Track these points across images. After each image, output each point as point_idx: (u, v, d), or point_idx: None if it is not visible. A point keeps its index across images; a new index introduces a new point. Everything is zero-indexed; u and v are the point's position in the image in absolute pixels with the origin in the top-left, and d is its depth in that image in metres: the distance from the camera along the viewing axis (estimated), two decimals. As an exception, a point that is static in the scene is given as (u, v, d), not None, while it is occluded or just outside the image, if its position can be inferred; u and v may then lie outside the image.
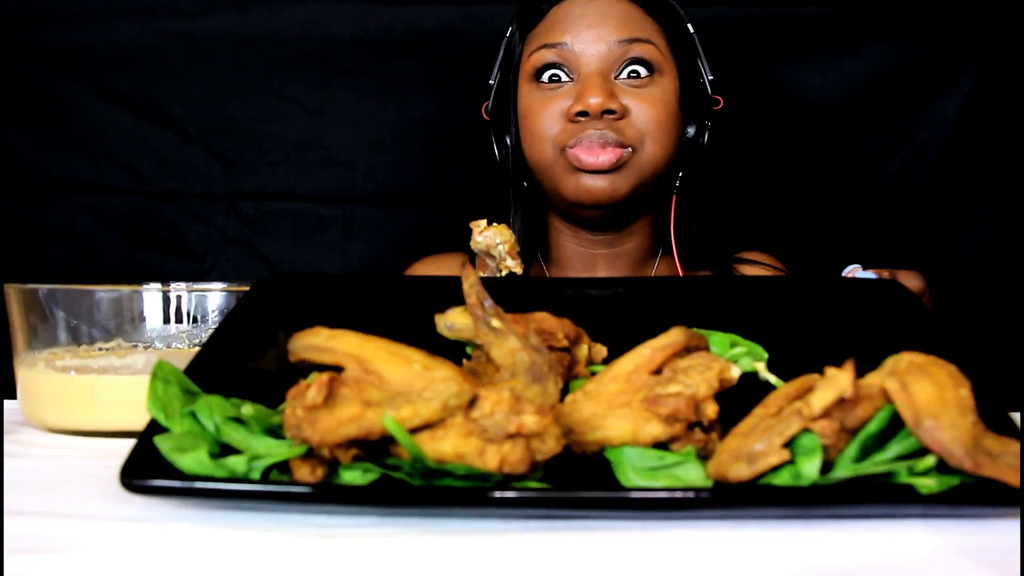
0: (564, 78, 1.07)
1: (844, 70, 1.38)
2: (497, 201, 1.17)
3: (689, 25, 1.12)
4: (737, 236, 1.26)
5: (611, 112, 1.04)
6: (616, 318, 0.71)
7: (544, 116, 1.07)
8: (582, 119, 1.04)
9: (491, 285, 0.62)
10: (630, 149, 1.05)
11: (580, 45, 1.06)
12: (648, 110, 1.06)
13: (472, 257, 1.24)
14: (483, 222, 0.83)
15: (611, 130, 1.04)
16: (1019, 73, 1.35)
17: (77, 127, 1.38)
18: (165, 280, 0.80)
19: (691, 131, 1.11)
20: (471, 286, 0.59)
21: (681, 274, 1.13)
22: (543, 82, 1.08)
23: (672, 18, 1.11)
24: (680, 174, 1.12)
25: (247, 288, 0.73)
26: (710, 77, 1.12)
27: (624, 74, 1.06)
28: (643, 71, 1.06)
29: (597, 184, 1.05)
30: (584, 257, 1.16)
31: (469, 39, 1.34)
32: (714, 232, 1.17)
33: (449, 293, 0.65)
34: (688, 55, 1.11)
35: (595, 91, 1.03)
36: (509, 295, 0.64)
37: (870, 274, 0.85)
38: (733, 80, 1.37)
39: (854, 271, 0.88)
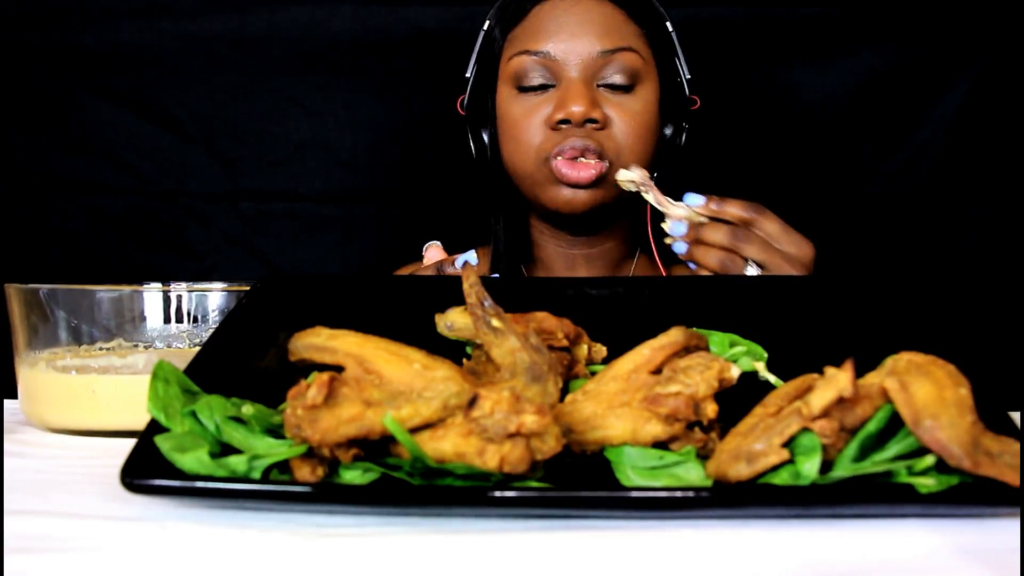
0: (546, 85, 1.06)
1: (844, 70, 1.38)
2: (479, 200, 1.16)
3: (668, 23, 1.11)
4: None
5: (593, 121, 1.03)
6: (616, 318, 0.71)
7: (527, 125, 1.06)
8: (563, 127, 1.04)
9: (491, 285, 0.62)
10: (607, 163, 1.04)
11: (562, 53, 1.05)
12: (628, 123, 1.05)
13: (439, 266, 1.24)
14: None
15: (592, 140, 1.03)
16: (1018, 73, 1.35)
17: (77, 127, 1.38)
18: (165, 280, 0.80)
19: (668, 131, 1.11)
20: (471, 286, 0.59)
21: (663, 272, 1.13)
22: (524, 89, 1.07)
23: (653, 19, 1.10)
24: (655, 174, 1.12)
25: (247, 288, 0.73)
26: (687, 76, 1.11)
27: (607, 83, 1.05)
28: (625, 81, 1.05)
29: (577, 196, 1.05)
30: (565, 257, 1.16)
31: (469, 39, 1.34)
32: None
33: (449, 293, 0.66)
34: (668, 55, 1.11)
35: (578, 99, 1.02)
36: (509, 295, 0.64)
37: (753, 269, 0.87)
38: (733, 80, 1.38)
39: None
